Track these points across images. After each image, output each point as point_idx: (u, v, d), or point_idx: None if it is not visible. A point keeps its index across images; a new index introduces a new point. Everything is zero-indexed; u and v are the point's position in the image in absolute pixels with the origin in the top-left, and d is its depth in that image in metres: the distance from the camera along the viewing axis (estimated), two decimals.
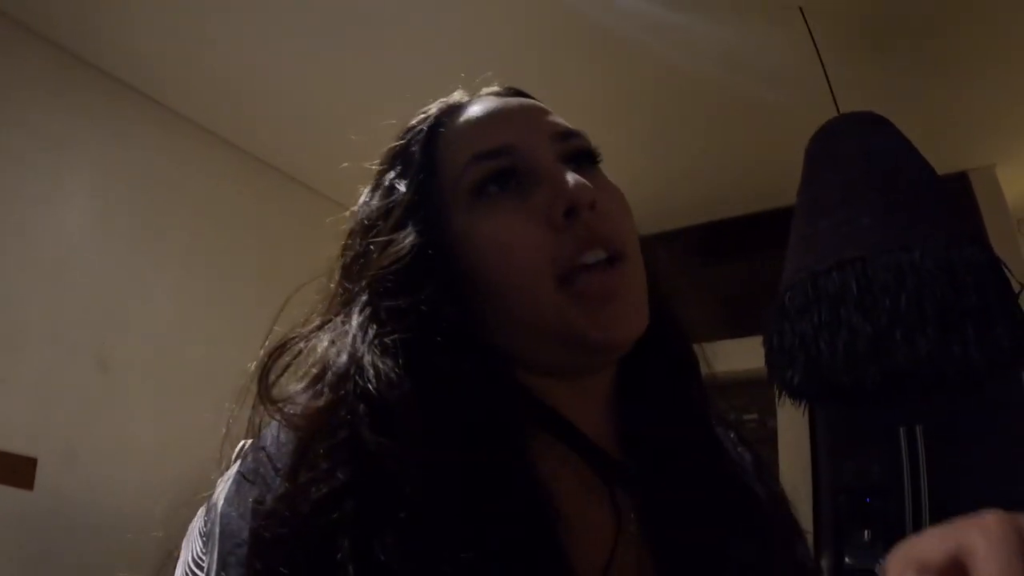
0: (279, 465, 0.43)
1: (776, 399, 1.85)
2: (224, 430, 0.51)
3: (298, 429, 0.44)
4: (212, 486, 0.49)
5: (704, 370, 0.56)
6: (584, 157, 0.53)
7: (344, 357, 0.46)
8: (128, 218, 2.30)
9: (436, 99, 0.58)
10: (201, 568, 0.43)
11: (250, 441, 0.49)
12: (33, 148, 2.07)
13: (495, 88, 0.58)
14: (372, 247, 0.50)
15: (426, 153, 0.53)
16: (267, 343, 0.50)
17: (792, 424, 2.47)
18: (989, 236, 2.09)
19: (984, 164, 2.53)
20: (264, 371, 0.48)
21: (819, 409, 2.38)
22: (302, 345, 0.50)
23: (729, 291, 2.75)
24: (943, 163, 2.04)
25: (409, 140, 0.55)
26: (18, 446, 1.88)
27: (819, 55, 1.97)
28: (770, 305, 1.71)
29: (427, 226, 0.50)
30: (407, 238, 0.49)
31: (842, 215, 1.66)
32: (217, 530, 0.44)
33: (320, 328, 0.51)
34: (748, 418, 2.71)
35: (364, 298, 0.49)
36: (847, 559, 2.26)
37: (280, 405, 0.46)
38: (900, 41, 2.10)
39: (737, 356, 1.95)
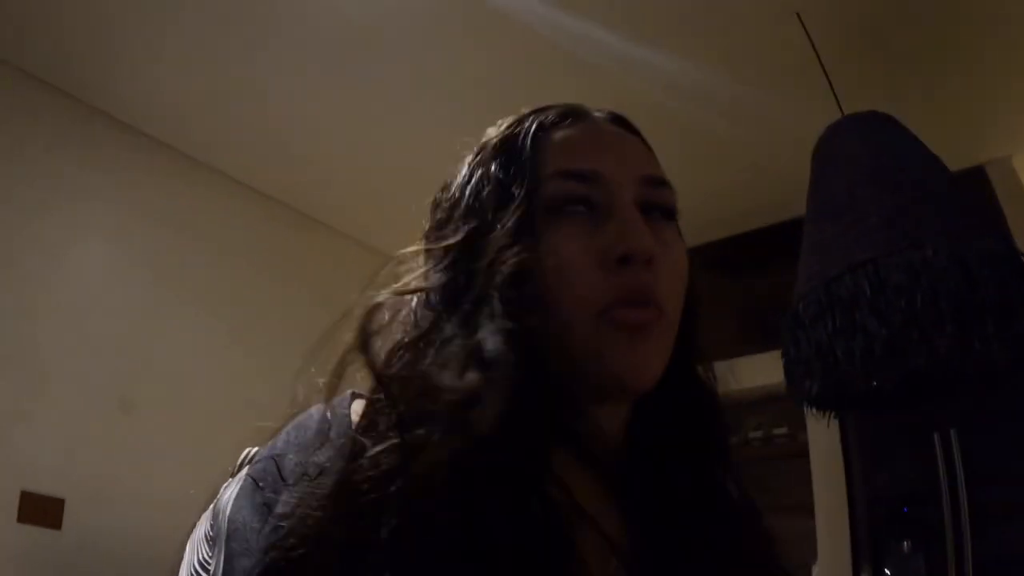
0: (285, 474, 0.44)
1: (805, 411, 1.80)
2: (296, 394, 0.51)
3: (402, 383, 0.45)
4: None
5: (724, 387, 0.57)
6: (663, 209, 0.54)
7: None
8: (147, 262, 2.36)
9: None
10: (207, 570, 0.44)
11: (255, 449, 0.50)
12: (53, 197, 2.15)
13: (602, 112, 0.59)
14: (488, 242, 0.50)
15: (532, 153, 0.53)
16: (360, 307, 0.50)
17: (823, 436, 2.40)
18: (1010, 228, 2.03)
19: (1000, 155, 2.47)
20: (364, 329, 0.48)
21: (848, 419, 2.32)
22: (401, 309, 0.51)
23: (756, 304, 2.70)
24: (958, 158, 1.99)
25: (519, 133, 0.55)
26: (46, 487, 1.93)
27: (819, 59, 1.95)
28: (784, 315, 1.68)
29: (533, 238, 0.50)
30: (522, 252, 0.49)
31: (850, 217, 1.61)
32: (224, 534, 0.44)
33: (416, 293, 0.51)
34: (778, 432, 2.64)
35: (478, 291, 0.49)
36: (887, 572, 2.17)
37: (386, 367, 0.46)
38: (901, 36, 2.06)
39: (765, 370, 1.90)
